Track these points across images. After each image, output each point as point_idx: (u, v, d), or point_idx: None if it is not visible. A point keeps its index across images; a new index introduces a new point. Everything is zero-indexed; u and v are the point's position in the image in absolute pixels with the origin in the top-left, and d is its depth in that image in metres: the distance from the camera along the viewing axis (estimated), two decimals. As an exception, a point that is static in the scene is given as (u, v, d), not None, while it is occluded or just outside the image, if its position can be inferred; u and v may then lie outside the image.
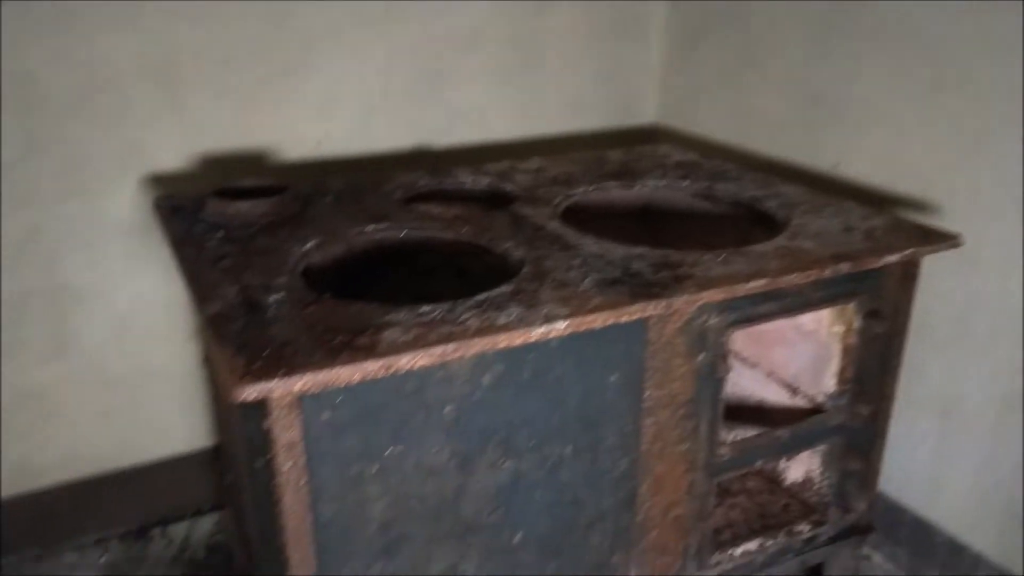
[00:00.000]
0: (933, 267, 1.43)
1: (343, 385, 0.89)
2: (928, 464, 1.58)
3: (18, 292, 1.57)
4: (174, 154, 1.62)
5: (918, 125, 1.49)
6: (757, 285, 1.08)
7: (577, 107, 2.01)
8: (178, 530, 1.83)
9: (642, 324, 1.07)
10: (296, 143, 1.72)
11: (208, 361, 1.49)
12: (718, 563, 1.28)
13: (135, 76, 1.55)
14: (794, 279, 1.11)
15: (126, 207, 1.60)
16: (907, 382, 1.54)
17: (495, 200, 1.46)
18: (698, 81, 1.97)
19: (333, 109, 1.74)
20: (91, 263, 1.61)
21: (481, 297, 1.01)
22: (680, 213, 1.57)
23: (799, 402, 1.37)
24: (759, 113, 1.82)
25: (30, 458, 1.69)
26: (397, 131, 1.82)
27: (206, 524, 1.85)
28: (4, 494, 1.68)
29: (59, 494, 1.73)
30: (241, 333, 0.91)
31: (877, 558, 1.72)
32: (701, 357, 1.13)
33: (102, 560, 1.74)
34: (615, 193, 1.53)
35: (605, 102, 2.04)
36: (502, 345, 0.94)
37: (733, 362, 1.48)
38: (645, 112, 2.08)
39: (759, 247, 1.19)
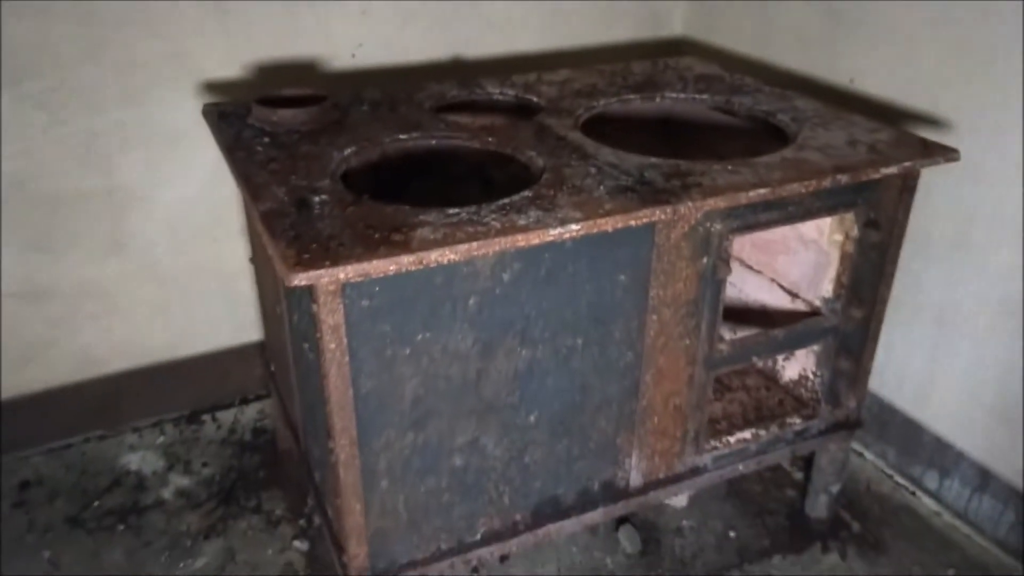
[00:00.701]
0: (936, 179, 1.50)
1: (380, 276, 1.01)
2: (921, 368, 1.69)
3: (77, 192, 1.70)
4: (220, 62, 1.71)
5: (929, 42, 1.53)
6: (759, 194, 1.17)
7: (607, 19, 2.04)
8: (227, 415, 2.01)
9: (650, 228, 1.17)
10: (334, 52, 1.80)
11: (255, 259, 1.62)
12: (714, 448, 1.41)
13: (181, -14, 1.63)
14: (795, 189, 1.20)
15: (175, 113, 1.71)
16: (905, 290, 1.64)
17: (521, 111, 1.54)
18: (723, -6, 2.00)
19: (369, 18, 1.81)
20: (144, 166, 1.73)
21: (504, 201, 1.11)
22: (699, 125, 1.64)
23: (798, 306, 1.47)
24: (780, 27, 1.85)
25: (92, 348, 1.85)
26: (431, 41, 1.88)
27: (251, 410, 2.03)
28: (70, 380, 1.86)
29: (119, 381, 1.91)
30: (291, 228, 1.02)
31: (868, 455, 1.86)
32: (704, 260, 1.23)
33: (159, 441, 1.93)
34: (636, 105, 1.60)
35: (634, 14, 2.07)
36: (521, 244, 1.05)
37: (739, 268, 1.59)
38: (672, 24, 2.12)
39: (765, 158, 1.27)
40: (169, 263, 1.84)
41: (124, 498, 1.75)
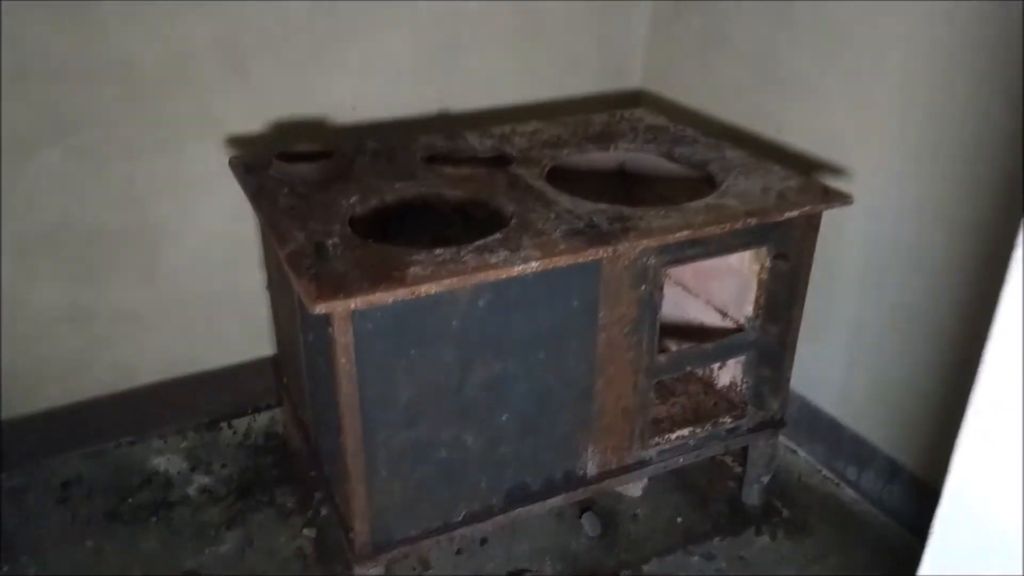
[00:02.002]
0: (847, 216, 1.79)
1: (382, 304, 1.29)
2: (840, 374, 1.98)
3: (116, 229, 1.97)
4: (240, 116, 1.98)
5: (841, 101, 1.83)
6: (683, 235, 1.46)
7: (574, 73, 2.33)
8: (241, 422, 2.27)
9: (597, 263, 1.45)
10: (338, 107, 2.08)
11: (271, 286, 1.89)
12: (657, 444, 1.69)
13: (210, 51, 1.88)
14: (714, 230, 1.49)
15: (202, 160, 1.98)
16: (824, 307, 1.93)
17: (498, 159, 1.83)
18: (675, 52, 2.30)
19: (367, 76, 2.08)
20: (174, 206, 2.00)
21: (479, 243, 1.40)
22: (648, 170, 1.93)
23: (727, 323, 1.76)
24: (722, 82, 2.15)
25: (125, 363, 2.11)
26: (421, 95, 2.17)
27: (264, 418, 2.29)
28: (105, 391, 2.12)
29: (148, 392, 2.16)
30: (312, 267, 1.30)
31: (801, 452, 2.14)
32: (643, 288, 1.51)
33: (182, 446, 2.19)
34: (594, 155, 1.89)
35: (598, 68, 2.37)
36: (492, 278, 1.34)
37: (682, 292, 1.87)
38: (633, 78, 2.42)
39: (692, 204, 1.56)
40: (194, 289, 2.11)
41: (154, 495, 2.01)
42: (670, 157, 1.85)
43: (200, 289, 2.11)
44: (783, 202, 1.57)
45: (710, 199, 1.58)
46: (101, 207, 1.93)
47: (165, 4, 1.81)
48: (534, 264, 1.35)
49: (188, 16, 1.84)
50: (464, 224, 1.72)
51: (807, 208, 1.56)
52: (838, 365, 1.98)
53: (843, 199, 1.60)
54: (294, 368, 1.81)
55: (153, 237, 2.01)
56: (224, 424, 2.26)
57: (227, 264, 2.11)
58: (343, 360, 1.31)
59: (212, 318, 2.16)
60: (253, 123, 2.01)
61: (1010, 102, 1.48)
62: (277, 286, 1.81)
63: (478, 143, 1.90)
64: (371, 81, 2.09)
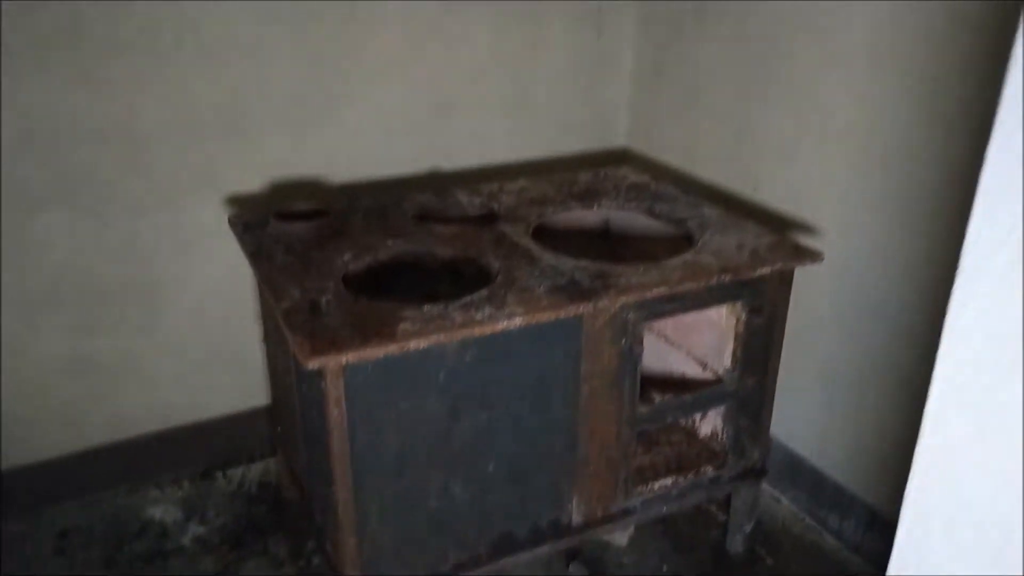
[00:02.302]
0: (820, 272, 1.87)
1: (373, 359, 1.35)
2: (818, 424, 2.03)
3: (118, 283, 2.04)
4: (240, 174, 2.07)
5: (812, 162, 1.93)
6: (661, 291, 1.53)
7: (561, 132, 2.44)
8: (236, 472, 2.31)
9: (579, 319, 1.52)
10: (334, 166, 2.17)
11: (267, 339, 1.96)
12: (641, 493, 1.74)
13: (213, 112, 1.98)
14: (690, 286, 1.56)
15: (202, 217, 2.06)
16: (801, 357, 2.00)
17: (485, 218, 1.91)
18: (657, 112, 2.40)
19: (363, 136, 2.18)
20: (174, 261, 2.07)
21: (466, 300, 1.47)
22: (631, 227, 2.01)
23: (707, 375, 1.82)
24: (702, 141, 2.25)
25: (123, 413, 2.16)
26: (413, 155, 2.26)
27: (257, 468, 2.33)
28: (103, 441, 2.17)
29: (145, 442, 2.21)
30: (306, 324, 1.37)
31: (784, 500, 2.19)
32: (623, 341, 1.58)
33: (178, 495, 2.22)
34: (579, 212, 1.98)
35: (585, 127, 2.47)
36: (478, 333, 1.41)
37: (664, 344, 1.94)
38: (617, 137, 2.52)
39: (670, 261, 1.64)
40: (192, 341, 2.17)
41: (150, 544, 2.05)
42: (651, 214, 1.93)
43: (198, 341, 2.17)
44: (756, 259, 1.65)
45: (687, 256, 1.66)
46: (104, 262, 2.00)
47: (173, 68, 1.91)
48: (518, 320, 1.42)
49: (194, 80, 1.94)
50: (453, 279, 1.79)
51: (779, 265, 1.64)
52: (817, 415, 2.03)
53: (813, 256, 1.67)
54: (288, 419, 1.86)
55: (153, 291, 2.08)
56: (219, 473, 2.30)
57: (224, 317, 2.18)
58: (335, 412, 1.37)
59: (209, 369, 2.22)
60: (252, 181, 2.09)
61: (975, 163, 1.57)
62: (273, 339, 1.87)
63: (467, 201, 1.99)
64: (366, 141, 2.19)
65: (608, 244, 2.05)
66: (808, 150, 1.92)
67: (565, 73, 2.37)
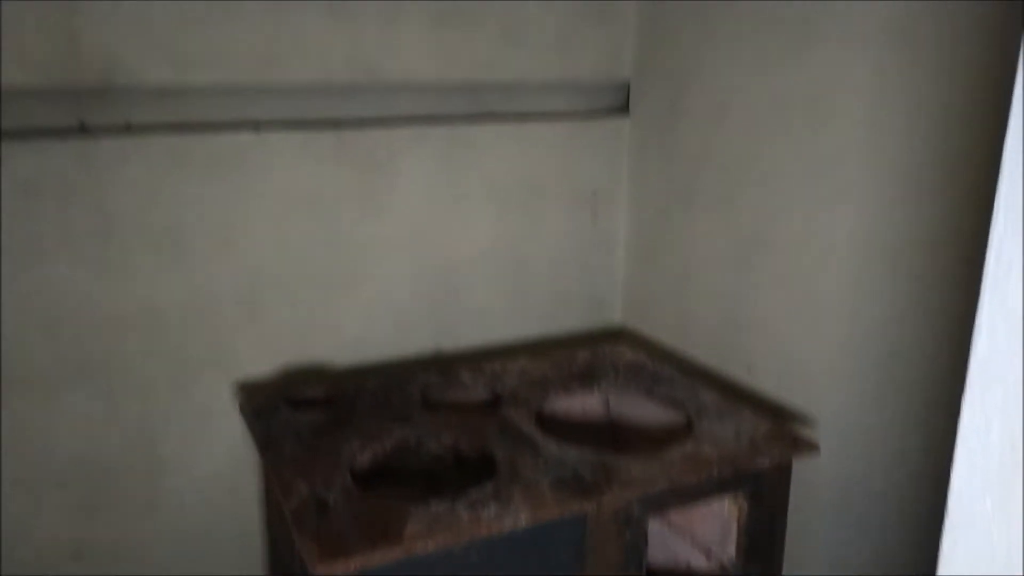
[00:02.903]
0: (820, 462, 1.90)
1: (379, 563, 1.36)
2: (826, 612, 2.00)
3: (123, 464, 2.06)
4: (252, 356, 2.13)
5: (806, 350, 2.00)
6: (663, 486, 1.57)
7: (559, 310, 2.54)
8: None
9: (583, 515, 1.54)
10: (343, 346, 2.25)
11: (270, 525, 1.96)
12: None
13: (229, 296, 2.06)
14: (691, 479, 1.60)
15: (212, 398, 2.11)
16: (806, 546, 1.99)
17: (489, 403, 1.96)
18: (652, 291, 2.51)
19: (372, 316, 2.27)
20: (181, 442, 2.11)
21: (471, 496, 1.50)
22: (631, 408, 2.06)
23: (713, 565, 1.82)
24: (694, 323, 2.35)
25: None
26: (419, 332, 2.35)
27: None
28: (94, 624, 2.12)
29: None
30: (314, 526, 1.39)
31: None
32: (627, 535, 1.60)
33: None
34: (579, 395, 2.03)
35: (581, 306, 2.57)
36: (484, 533, 1.43)
37: (669, 532, 1.95)
38: (613, 315, 2.62)
39: (671, 451, 1.68)
40: (194, 521, 2.16)
41: None
42: (649, 396, 1.99)
43: (200, 520, 2.17)
44: (754, 449, 1.69)
45: (687, 446, 1.70)
46: (111, 445, 2.03)
47: (194, 257, 2.02)
48: (523, 519, 1.45)
49: (214, 267, 2.05)
50: (458, 464, 1.82)
51: (777, 457, 1.68)
52: (824, 600, 2.01)
53: (810, 447, 1.72)
54: (288, 608, 1.83)
55: (159, 471, 2.10)
56: (211, 658, 2.23)
57: (227, 499, 2.18)
58: (340, 615, 1.37)
59: (210, 549, 2.20)
60: (263, 363, 2.16)
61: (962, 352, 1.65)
62: (276, 528, 1.87)
63: (471, 380, 2.05)
64: (375, 321, 2.28)
65: (609, 425, 2.09)
66: (799, 335, 2.01)
67: (563, 254, 2.50)
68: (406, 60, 2.17)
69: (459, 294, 2.38)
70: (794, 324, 2.02)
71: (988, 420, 0.71)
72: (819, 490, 1.96)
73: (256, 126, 2.03)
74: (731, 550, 1.76)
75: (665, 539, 1.94)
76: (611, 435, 1.99)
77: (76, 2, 1.81)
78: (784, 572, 1.82)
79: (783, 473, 1.74)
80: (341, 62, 2.10)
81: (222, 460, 2.16)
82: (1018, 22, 1.48)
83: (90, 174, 1.89)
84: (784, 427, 1.83)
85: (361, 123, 2.16)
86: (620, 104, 2.51)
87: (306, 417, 1.79)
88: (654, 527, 1.81)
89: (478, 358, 2.35)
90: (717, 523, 1.79)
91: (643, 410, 2.02)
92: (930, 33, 1.64)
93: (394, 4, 2.12)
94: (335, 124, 2.12)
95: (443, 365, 2.26)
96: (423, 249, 2.31)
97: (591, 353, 2.26)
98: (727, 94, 2.13)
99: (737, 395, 2.10)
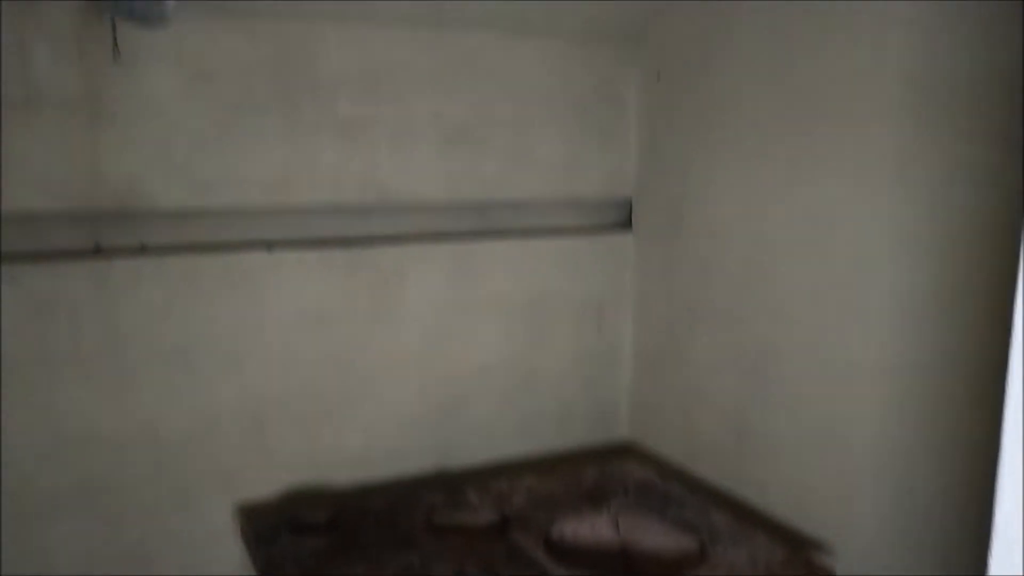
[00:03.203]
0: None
1: None
2: None
3: (120, 587, 2.01)
4: (255, 478, 2.10)
5: (820, 473, 1.96)
6: (678, 620, 1.52)
7: (565, 425, 2.52)
8: None
9: (595, 650, 1.49)
10: (347, 466, 2.22)
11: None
12: None
13: (232, 415, 2.05)
14: (707, 612, 1.55)
15: (212, 522, 2.06)
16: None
17: (496, 525, 1.92)
18: (658, 406, 2.50)
19: (376, 434, 2.25)
20: (179, 563, 2.05)
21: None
22: (643, 532, 2.02)
23: None
24: (702, 439, 2.32)
25: None
26: (424, 450, 2.32)
27: None
28: None
29: None
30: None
31: None
32: (642, 672, 1.53)
33: None
34: (589, 517, 1.99)
35: (587, 421, 2.55)
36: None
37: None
38: (620, 429, 2.60)
39: (685, 582, 1.63)
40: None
41: None
42: (661, 517, 1.95)
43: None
44: (770, 578, 1.64)
45: (702, 574, 1.66)
46: (110, 568, 1.98)
47: (200, 376, 2.02)
48: (534, 658, 1.39)
49: (219, 386, 2.05)
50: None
51: (794, 586, 1.63)
52: None
53: None
54: None
55: (153, 597, 2.04)
56: None
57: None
58: None
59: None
60: (265, 485, 2.12)
61: (987, 485, 1.62)
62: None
63: (477, 500, 2.01)
64: (379, 439, 2.25)
65: (620, 549, 2.04)
66: (813, 457, 1.98)
67: (569, 368, 2.50)
68: (416, 181, 2.23)
69: (465, 408, 2.36)
70: (808, 445, 1.99)
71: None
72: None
73: (269, 246, 2.08)
74: None
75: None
76: (622, 560, 1.93)
77: (101, 130, 1.88)
78: None
79: (801, 603, 1.69)
80: (353, 184, 2.16)
81: (220, 582, 2.10)
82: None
83: (103, 294, 1.91)
84: (798, 554, 1.78)
85: (371, 241, 2.20)
86: (623, 220, 2.57)
87: (308, 543, 1.74)
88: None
89: (484, 475, 2.32)
90: (734, 656, 1.72)
91: (655, 533, 1.97)
92: (931, 165, 1.70)
93: (405, 128, 2.20)
94: (346, 243, 2.17)
95: (449, 483, 2.22)
96: (430, 364, 2.31)
97: (599, 471, 2.23)
98: (727, 211, 2.18)
99: (750, 516, 2.06)
